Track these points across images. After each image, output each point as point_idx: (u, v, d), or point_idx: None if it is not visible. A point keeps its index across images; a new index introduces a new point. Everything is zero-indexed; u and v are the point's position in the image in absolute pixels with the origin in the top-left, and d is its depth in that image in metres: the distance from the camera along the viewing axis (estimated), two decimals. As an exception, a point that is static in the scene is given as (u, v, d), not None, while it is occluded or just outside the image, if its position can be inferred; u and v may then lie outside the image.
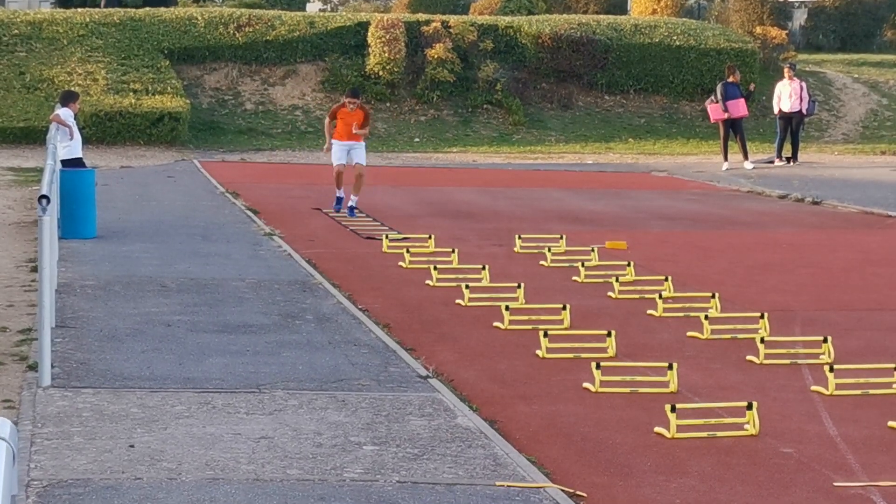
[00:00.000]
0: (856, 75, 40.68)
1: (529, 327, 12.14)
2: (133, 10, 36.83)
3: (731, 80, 29.65)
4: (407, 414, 9.11)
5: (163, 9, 37.18)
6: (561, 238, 17.33)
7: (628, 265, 15.12)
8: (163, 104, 31.40)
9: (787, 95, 30.48)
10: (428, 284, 14.49)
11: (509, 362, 11.04)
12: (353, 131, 19.89)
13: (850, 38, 47.08)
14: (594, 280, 14.90)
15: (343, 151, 20.11)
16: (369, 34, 35.08)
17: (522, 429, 9.07)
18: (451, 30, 35.53)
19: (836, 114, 37.77)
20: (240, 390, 9.62)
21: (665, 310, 13.11)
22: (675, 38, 36.73)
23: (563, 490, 7.68)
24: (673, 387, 10.07)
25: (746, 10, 42.24)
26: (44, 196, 10.14)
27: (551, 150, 33.20)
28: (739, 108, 29.44)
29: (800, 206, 23.14)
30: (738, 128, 29.81)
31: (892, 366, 10.37)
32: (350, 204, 20.14)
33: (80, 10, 36.49)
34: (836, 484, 8.05)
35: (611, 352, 11.25)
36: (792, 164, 30.50)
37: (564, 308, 12.51)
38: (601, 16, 39.75)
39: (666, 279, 14.34)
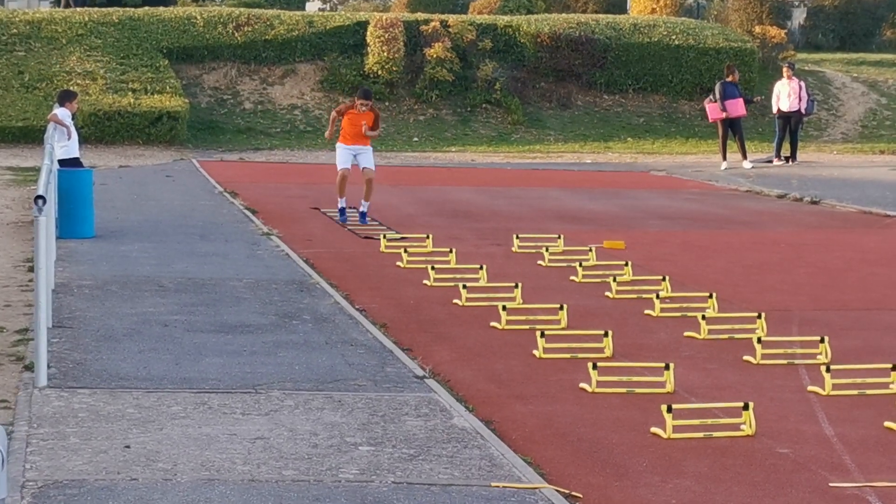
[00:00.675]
0: (855, 74, 40.66)
1: (526, 327, 12.14)
2: (132, 9, 36.81)
3: (729, 79, 29.60)
4: (403, 414, 9.11)
5: (162, 8, 37.16)
6: (559, 238, 17.33)
7: (626, 265, 15.12)
8: (161, 104, 31.38)
9: (785, 95, 30.44)
10: (425, 284, 14.49)
11: (506, 362, 11.04)
12: (364, 132, 19.02)
13: (849, 38, 47.08)
14: (592, 280, 14.90)
15: (349, 155, 19.14)
16: (368, 33, 35.08)
17: (519, 429, 9.07)
18: (449, 29, 35.53)
19: (835, 113, 37.77)
20: (236, 391, 9.61)
21: (662, 310, 13.11)
22: (674, 37, 36.73)
23: (558, 491, 7.68)
24: (669, 387, 10.07)
25: (745, 10, 42.24)
26: (40, 196, 10.14)
27: (550, 150, 33.20)
28: (738, 107, 29.39)
29: (798, 206, 23.12)
30: (736, 127, 29.77)
31: (889, 366, 10.35)
32: (361, 209, 19.32)
33: (78, 9, 36.49)
34: (832, 484, 8.05)
35: (608, 352, 11.25)
36: (791, 163, 30.48)
37: (561, 308, 12.51)
38: (600, 15, 39.76)
39: (663, 279, 14.34)
